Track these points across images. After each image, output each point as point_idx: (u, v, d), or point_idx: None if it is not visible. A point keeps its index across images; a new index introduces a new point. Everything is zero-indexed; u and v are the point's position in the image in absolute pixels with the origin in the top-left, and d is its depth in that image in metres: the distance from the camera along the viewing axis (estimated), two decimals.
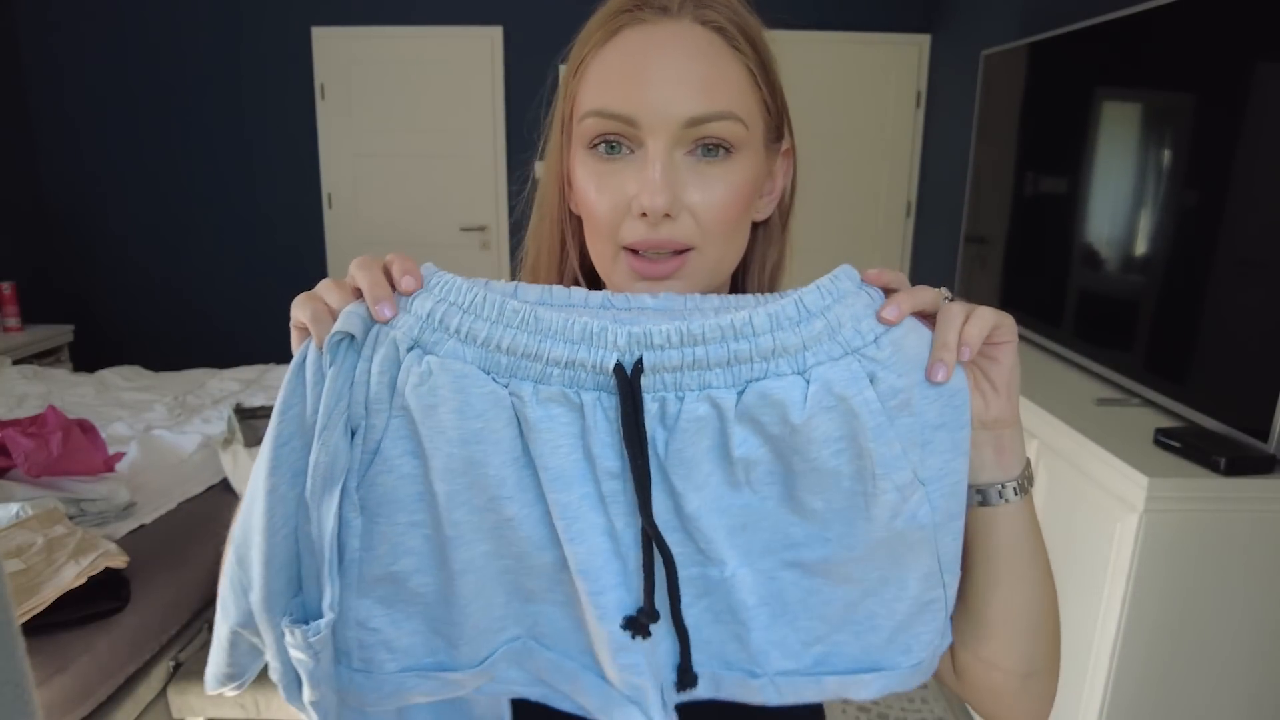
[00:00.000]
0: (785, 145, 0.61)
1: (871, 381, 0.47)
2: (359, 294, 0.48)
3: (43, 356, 3.35)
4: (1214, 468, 1.36)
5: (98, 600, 1.45)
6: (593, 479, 0.48)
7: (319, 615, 0.50)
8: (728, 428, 0.48)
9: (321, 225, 3.92)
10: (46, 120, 3.75)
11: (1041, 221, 2.23)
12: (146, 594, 1.55)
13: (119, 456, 1.94)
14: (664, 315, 0.53)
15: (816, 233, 3.75)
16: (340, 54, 3.75)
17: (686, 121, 0.52)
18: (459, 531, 0.50)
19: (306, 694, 0.51)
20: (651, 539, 0.49)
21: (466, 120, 3.83)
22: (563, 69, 0.62)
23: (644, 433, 0.47)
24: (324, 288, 0.49)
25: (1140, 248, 1.78)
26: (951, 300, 0.50)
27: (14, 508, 1.59)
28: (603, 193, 0.56)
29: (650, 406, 0.48)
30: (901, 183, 3.77)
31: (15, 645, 0.18)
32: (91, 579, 1.42)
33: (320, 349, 0.47)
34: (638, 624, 0.50)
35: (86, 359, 3.60)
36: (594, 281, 0.64)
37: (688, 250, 0.55)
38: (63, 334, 3.49)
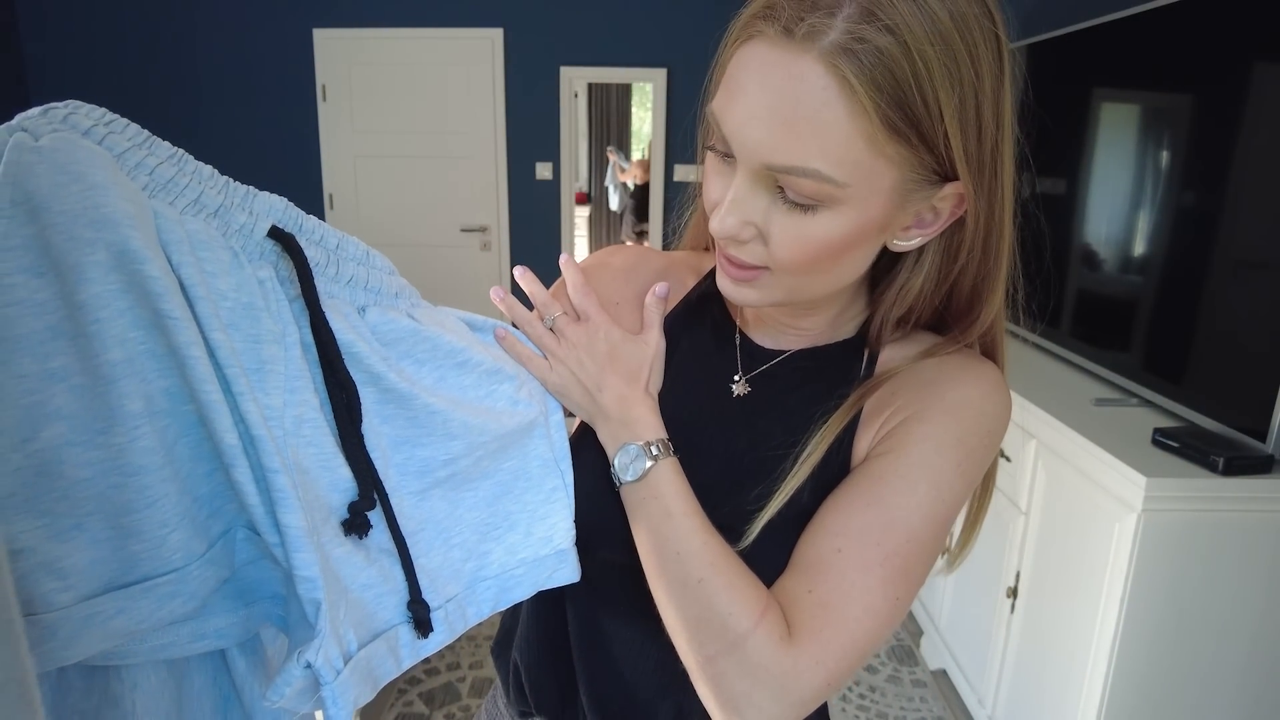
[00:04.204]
0: (955, 189, 0.51)
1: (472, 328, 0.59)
2: None
3: None
4: (1212, 468, 1.36)
5: None
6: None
7: None
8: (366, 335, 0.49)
9: None
10: None
11: (1040, 222, 2.23)
12: None
13: None
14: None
15: None
16: (341, 56, 3.76)
17: (764, 165, 0.49)
18: (128, 355, 0.37)
19: None
20: (342, 386, 0.47)
21: (467, 122, 3.84)
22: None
23: (315, 291, 0.46)
24: None
25: (1138, 248, 1.78)
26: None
27: None
28: (710, 186, 0.54)
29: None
30: None
31: (18, 644, 0.19)
32: None
33: None
34: (355, 514, 0.48)
35: None
36: None
37: (759, 269, 0.54)
38: None
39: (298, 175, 3.87)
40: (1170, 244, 1.66)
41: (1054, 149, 2.13)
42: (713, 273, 0.69)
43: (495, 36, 3.73)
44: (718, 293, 0.67)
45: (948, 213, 0.54)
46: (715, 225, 0.52)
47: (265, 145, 3.83)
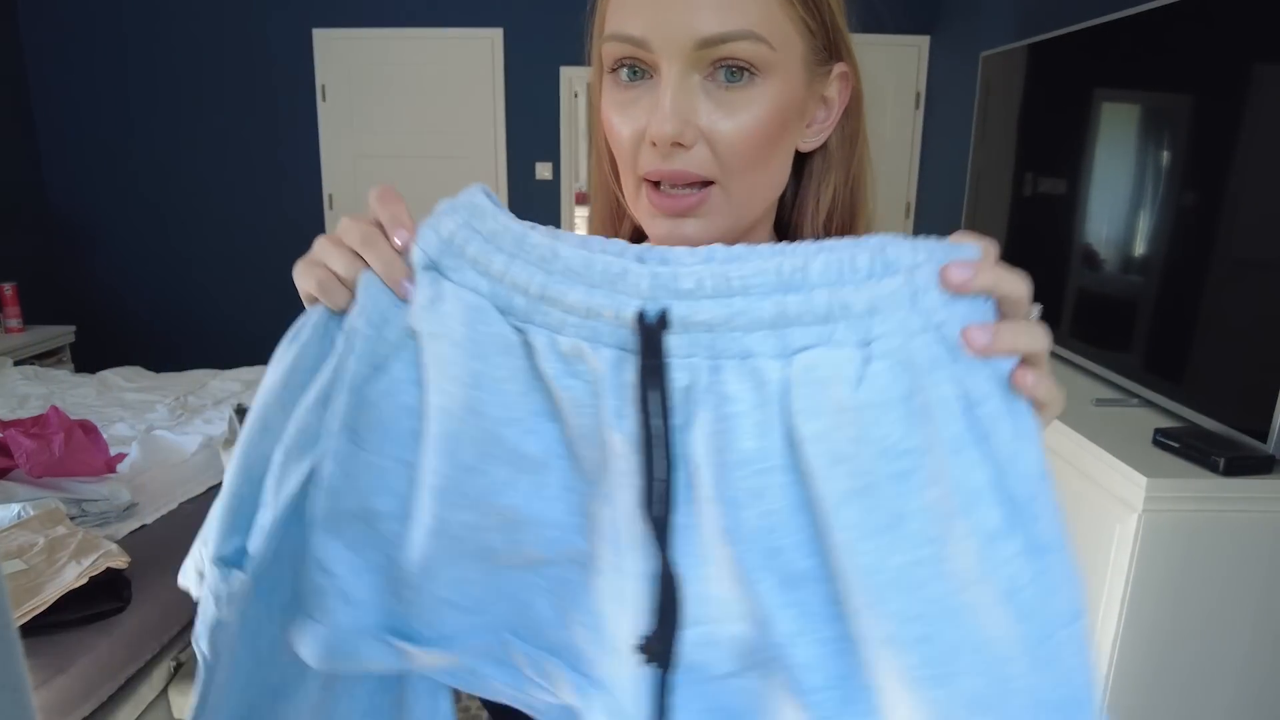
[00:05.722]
0: (841, 68, 0.56)
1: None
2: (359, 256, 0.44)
3: (44, 357, 3.36)
4: (1213, 468, 1.36)
5: (99, 600, 1.45)
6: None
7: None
8: (769, 414, 0.38)
9: (323, 226, 3.92)
10: (49, 122, 3.76)
11: (1040, 222, 2.23)
12: (147, 594, 1.56)
13: (120, 457, 1.95)
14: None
15: None
16: (341, 56, 3.76)
17: (699, 42, 0.48)
18: (443, 484, 0.43)
19: (201, 640, 0.46)
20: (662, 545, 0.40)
21: (467, 121, 3.84)
22: None
23: (666, 413, 0.39)
24: (324, 251, 0.45)
25: (1139, 248, 1.78)
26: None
27: (15, 508, 1.60)
28: (622, 121, 0.52)
29: (679, 378, 0.39)
30: (901, 183, 3.77)
31: (14, 649, 0.19)
32: (93, 579, 1.42)
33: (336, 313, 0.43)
34: (649, 648, 0.42)
35: (88, 360, 3.61)
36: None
37: (708, 184, 0.51)
38: (64, 334, 3.50)
39: (298, 175, 3.87)
40: (1170, 244, 1.66)
41: (1054, 149, 2.13)
42: None
43: (495, 36, 3.73)
44: None
45: (837, 101, 0.57)
46: (657, 130, 0.49)
47: (265, 145, 3.83)
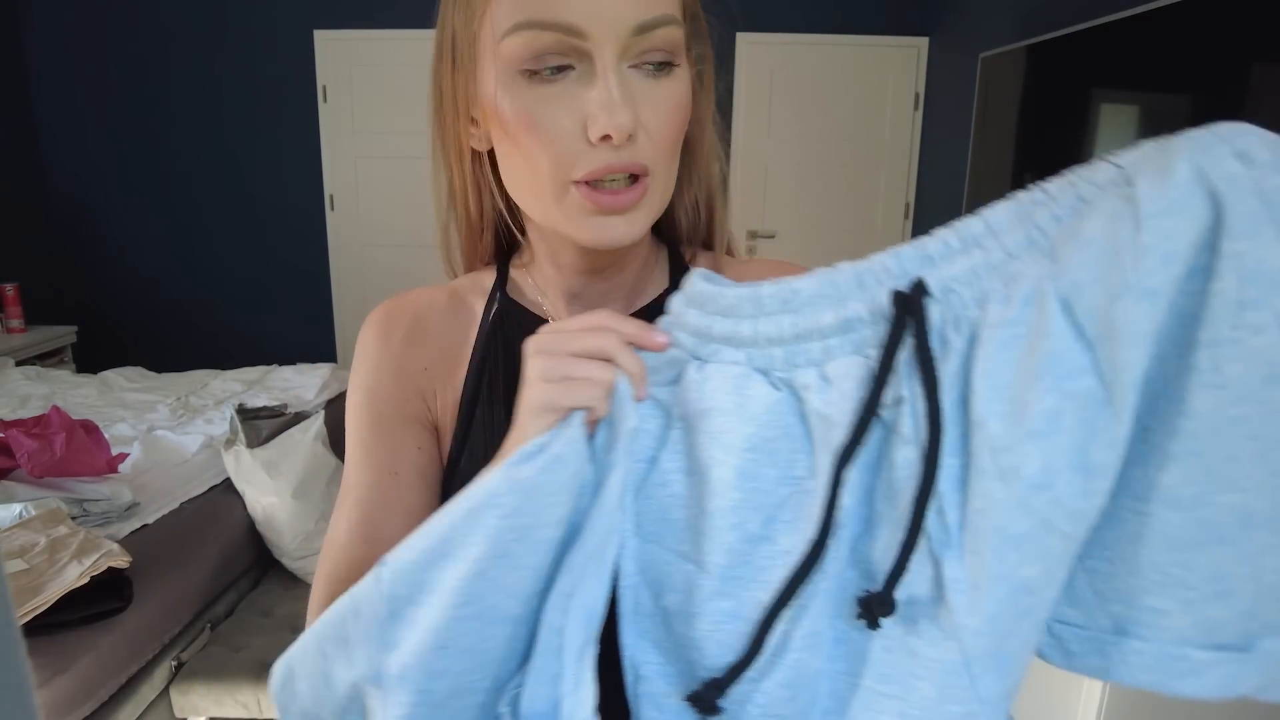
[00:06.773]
0: (699, 50, 0.54)
1: None
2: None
3: (46, 357, 3.36)
4: None
5: (100, 600, 1.46)
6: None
7: (543, 709, 0.41)
8: (1051, 308, 0.35)
9: (324, 226, 3.93)
10: (50, 122, 3.77)
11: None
12: (149, 594, 1.56)
13: (122, 457, 1.95)
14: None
15: (816, 233, 3.75)
16: (342, 57, 3.77)
17: (636, 28, 0.46)
18: (731, 560, 0.42)
19: None
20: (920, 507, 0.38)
21: None
22: None
23: (932, 358, 0.37)
24: (573, 366, 0.43)
25: None
26: None
27: (17, 508, 1.60)
28: (549, 120, 0.47)
29: (954, 340, 0.37)
30: (900, 184, 3.78)
31: (16, 649, 0.19)
32: (94, 579, 1.43)
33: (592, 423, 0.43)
34: (867, 608, 0.40)
35: (89, 360, 3.62)
36: (513, 237, 0.60)
37: (645, 176, 0.49)
38: (66, 335, 3.50)
39: (299, 176, 3.87)
40: None
41: (1053, 150, 2.14)
42: (498, 288, 0.61)
43: None
44: (516, 306, 0.61)
45: (699, 84, 0.57)
46: (614, 123, 0.46)
47: (266, 146, 3.83)
